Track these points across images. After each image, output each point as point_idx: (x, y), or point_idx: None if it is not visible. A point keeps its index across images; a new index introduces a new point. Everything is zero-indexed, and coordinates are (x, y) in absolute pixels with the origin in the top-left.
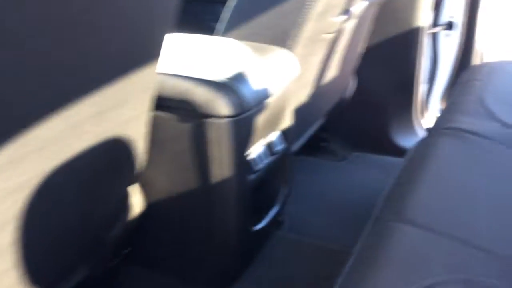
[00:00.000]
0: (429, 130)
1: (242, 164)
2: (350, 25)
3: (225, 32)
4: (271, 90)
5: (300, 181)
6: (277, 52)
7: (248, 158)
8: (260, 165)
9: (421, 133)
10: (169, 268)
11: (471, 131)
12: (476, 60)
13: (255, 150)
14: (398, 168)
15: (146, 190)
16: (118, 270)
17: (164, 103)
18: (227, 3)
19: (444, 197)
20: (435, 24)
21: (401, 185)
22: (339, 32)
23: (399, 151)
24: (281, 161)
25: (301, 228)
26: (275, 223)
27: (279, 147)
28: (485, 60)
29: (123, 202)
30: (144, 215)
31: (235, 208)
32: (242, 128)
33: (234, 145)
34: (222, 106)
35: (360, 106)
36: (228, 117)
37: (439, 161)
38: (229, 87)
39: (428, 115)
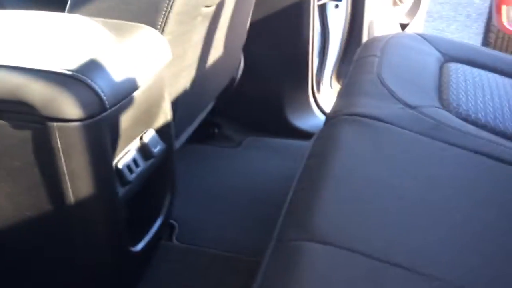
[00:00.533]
0: (327, 117)
1: (107, 176)
2: None
3: (73, 7)
4: (137, 80)
5: (191, 174)
6: (142, 32)
7: (116, 167)
8: (133, 175)
9: (317, 112)
10: None
11: (374, 116)
12: (365, 32)
13: (124, 157)
14: (294, 151)
15: None
16: None
17: None
18: None
19: (352, 202)
20: None
21: (302, 191)
22: (219, 5)
23: (296, 133)
24: (161, 164)
25: (193, 234)
26: (162, 232)
27: (157, 148)
28: (375, 32)
29: None
30: None
31: (103, 231)
32: (101, 133)
33: (92, 155)
34: (69, 106)
35: (252, 86)
36: (78, 120)
37: (342, 156)
38: (77, 79)
39: (322, 93)
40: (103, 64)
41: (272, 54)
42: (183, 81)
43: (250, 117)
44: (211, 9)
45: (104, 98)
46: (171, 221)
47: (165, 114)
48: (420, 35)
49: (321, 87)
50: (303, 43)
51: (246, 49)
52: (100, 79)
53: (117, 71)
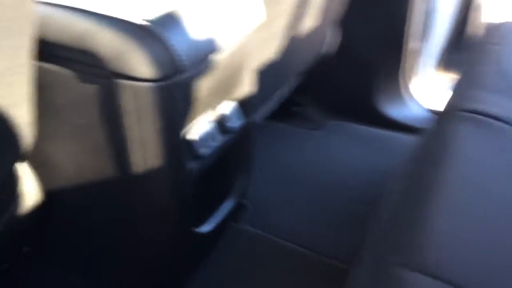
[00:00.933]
0: (440, 112)
1: (175, 147)
2: None
3: None
4: (221, 42)
5: (268, 153)
6: None
7: (188, 138)
8: (206, 149)
9: (410, 102)
10: (83, 270)
11: (497, 115)
12: (476, 16)
13: (197, 128)
14: (382, 142)
15: (44, 174)
16: (27, 272)
17: (54, 52)
18: None
19: (471, 226)
20: None
21: (407, 206)
22: None
23: (383, 121)
24: (239, 141)
25: (264, 220)
26: (232, 215)
27: (235, 123)
28: (497, 15)
29: (9, 188)
30: (43, 206)
31: (166, 207)
32: (173, 98)
33: (161, 121)
34: (139, 63)
35: (341, 66)
36: (149, 80)
37: (458, 163)
38: (152, 33)
39: (417, 81)
40: (184, 19)
41: (368, 33)
42: (267, 51)
43: (336, 99)
44: None
45: (181, 58)
46: (244, 201)
47: (248, 85)
48: None
49: (420, 75)
50: (401, 22)
51: (342, 23)
52: (178, 36)
53: (199, 29)
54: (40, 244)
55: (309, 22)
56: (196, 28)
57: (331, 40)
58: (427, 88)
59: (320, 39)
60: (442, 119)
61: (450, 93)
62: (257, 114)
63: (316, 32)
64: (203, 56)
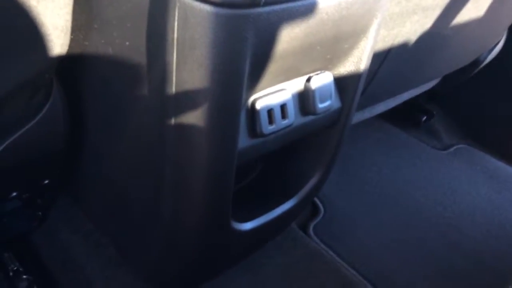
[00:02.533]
0: None
1: (233, 113)
2: None
3: None
4: None
5: (371, 159)
6: None
7: (254, 107)
8: (273, 126)
9: None
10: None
11: None
12: None
13: (268, 97)
14: None
15: (75, 100)
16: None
17: None
18: None
19: None
20: None
21: None
22: None
23: None
24: (324, 128)
25: (335, 232)
26: (292, 216)
27: (325, 104)
28: None
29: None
30: (69, 138)
31: (204, 189)
32: (245, 39)
33: (223, 68)
34: None
35: (496, 82)
36: (217, 3)
37: None
38: None
39: None
40: None
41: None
42: (410, 28)
43: (476, 120)
44: None
45: None
46: (318, 203)
47: (357, 61)
48: None
49: None
50: None
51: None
52: None
53: None
54: (63, 183)
55: (478, 11)
56: None
57: (497, 46)
58: None
59: (484, 42)
60: None
61: None
62: (371, 110)
63: (482, 29)
64: None
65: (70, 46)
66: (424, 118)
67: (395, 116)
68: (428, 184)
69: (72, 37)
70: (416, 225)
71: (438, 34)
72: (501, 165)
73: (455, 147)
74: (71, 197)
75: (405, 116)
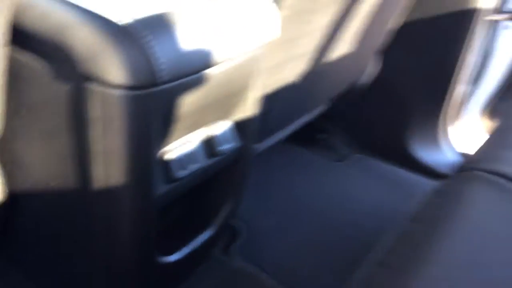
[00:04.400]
0: (457, 169)
1: (146, 167)
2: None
3: None
4: (218, 56)
5: (278, 179)
6: None
7: (164, 158)
8: (184, 172)
9: (445, 148)
10: (39, 278)
11: None
12: None
13: (177, 149)
14: (407, 186)
15: (11, 173)
16: None
17: (27, 41)
18: None
19: None
20: (499, 10)
21: (389, 266)
22: None
23: (412, 163)
24: (230, 165)
25: (255, 253)
26: (212, 244)
27: (228, 146)
28: None
29: None
30: (6, 206)
31: (129, 231)
32: (149, 111)
33: (132, 135)
34: (114, 67)
35: (376, 99)
36: (123, 87)
37: (460, 230)
38: (132, 35)
39: (461, 127)
40: (176, 25)
41: (412, 68)
42: (288, 73)
43: (365, 132)
44: None
45: (162, 67)
46: (237, 226)
47: (249, 107)
48: None
49: (462, 121)
50: (452, 62)
51: (385, 54)
52: (164, 42)
53: (192, 38)
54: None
55: (345, 46)
56: (188, 36)
57: (369, 70)
58: (467, 135)
59: (359, 67)
60: (457, 177)
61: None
62: (271, 137)
63: (352, 59)
64: (191, 68)
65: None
66: (322, 135)
67: (297, 138)
68: (330, 193)
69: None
70: (323, 230)
71: (314, 71)
72: (390, 168)
73: (350, 158)
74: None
75: (306, 136)
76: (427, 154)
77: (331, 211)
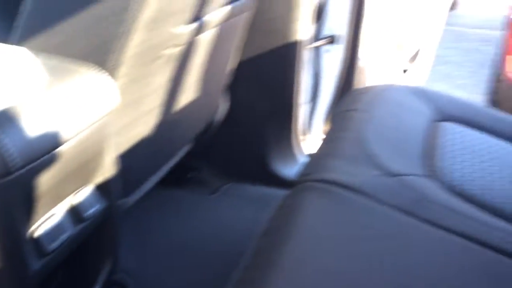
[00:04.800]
0: (294, 182)
1: (16, 249)
2: (207, 36)
3: (22, 39)
4: (65, 132)
5: (157, 222)
6: (84, 74)
7: (35, 234)
8: (55, 243)
9: (302, 161)
10: None
11: (347, 184)
12: (360, 78)
13: (44, 224)
14: (277, 202)
15: None
16: None
17: None
18: None
19: None
20: (317, 37)
21: (248, 278)
22: (190, 45)
23: (279, 181)
24: (100, 226)
25: None
26: None
27: (93, 209)
28: (369, 79)
29: None
30: None
31: None
32: (7, 198)
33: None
34: None
35: (234, 130)
36: None
37: (299, 236)
38: None
39: (310, 139)
40: (18, 114)
41: (257, 98)
42: (142, 128)
43: (231, 162)
44: (178, 50)
45: (12, 157)
46: (124, 277)
47: (108, 168)
48: (412, 88)
49: (310, 135)
50: (290, 85)
51: (232, 90)
52: (10, 133)
53: (38, 123)
54: None
55: (190, 94)
56: (34, 123)
57: (222, 106)
58: (315, 147)
59: (210, 106)
60: (295, 189)
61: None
62: (141, 187)
63: (200, 102)
64: (42, 150)
65: None
66: (193, 173)
67: (169, 181)
68: (207, 226)
69: None
70: (204, 264)
71: (168, 120)
72: (258, 189)
73: (222, 188)
74: None
75: (177, 177)
76: (287, 170)
77: (210, 242)
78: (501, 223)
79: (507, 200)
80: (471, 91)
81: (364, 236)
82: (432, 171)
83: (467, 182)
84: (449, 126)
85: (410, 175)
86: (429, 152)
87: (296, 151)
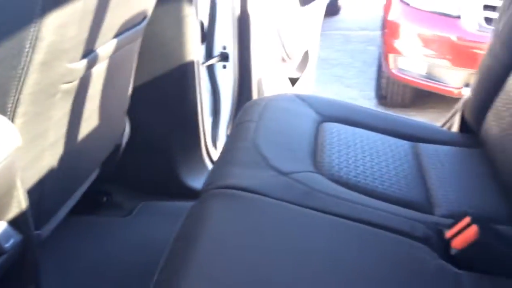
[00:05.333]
0: (201, 190)
1: None
2: (101, 67)
3: None
4: None
5: (73, 250)
6: None
7: None
8: None
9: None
10: None
11: (245, 187)
12: (255, 90)
13: None
14: None
15: None
16: None
17: None
18: None
19: None
20: (209, 55)
21: (166, 272)
22: (87, 77)
23: (191, 193)
24: (18, 258)
25: None
26: None
27: (9, 243)
28: (265, 89)
29: None
30: None
31: None
32: None
33: None
34: None
35: (141, 150)
36: None
37: (208, 238)
38: None
39: (216, 150)
40: None
41: (161, 117)
42: (49, 159)
43: (142, 181)
44: (75, 83)
45: None
46: None
47: (19, 203)
48: (297, 96)
49: (217, 145)
50: (190, 103)
51: (132, 113)
52: None
53: None
54: None
55: (93, 122)
56: None
57: (125, 129)
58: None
59: (114, 131)
60: (202, 197)
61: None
62: (54, 216)
63: (105, 127)
64: None
65: None
66: (106, 197)
67: (83, 207)
68: (126, 247)
69: None
70: (128, 282)
71: (75, 149)
72: (174, 203)
73: (137, 208)
74: None
75: (91, 203)
76: (197, 181)
77: (126, 262)
78: (374, 201)
79: (377, 182)
80: (362, 89)
81: (264, 230)
82: (319, 167)
83: (347, 172)
84: (331, 125)
85: (300, 172)
86: (315, 150)
87: (204, 162)
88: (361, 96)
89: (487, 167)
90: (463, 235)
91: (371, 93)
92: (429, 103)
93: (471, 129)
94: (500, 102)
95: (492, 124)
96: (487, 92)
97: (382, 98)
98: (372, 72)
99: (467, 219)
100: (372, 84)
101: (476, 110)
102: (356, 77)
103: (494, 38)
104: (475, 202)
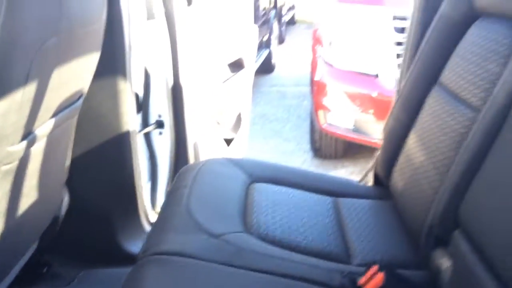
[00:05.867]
0: (137, 258)
1: None
2: (40, 146)
3: None
4: None
5: None
6: None
7: None
8: None
9: None
10: None
11: (179, 252)
12: (191, 154)
13: None
14: None
15: None
16: None
17: None
18: None
19: None
20: (146, 124)
21: None
22: (26, 157)
23: (131, 259)
24: None
25: None
26: None
27: None
28: (200, 152)
29: None
30: None
31: None
32: None
33: None
34: None
35: (80, 219)
36: None
37: None
38: None
39: (155, 215)
40: None
41: (99, 186)
42: None
43: (83, 250)
44: (14, 165)
45: None
46: None
47: None
48: (228, 160)
49: (156, 209)
50: (127, 171)
51: (71, 183)
52: None
53: None
54: None
55: (31, 197)
56: None
57: (64, 200)
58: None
59: (52, 204)
60: (138, 264)
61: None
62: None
63: (43, 202)
64: None
65: None
66: (46, 268)
67: (23, 280)
68: None
69: None
70: None
71: (11, 224)
72: (114, 270)
73: (78, 276)
74: None
75: (31, 275)
76: (137, 246)
77: None
78: (298, 256)
79: (301, 237)
80: (299, 143)
81: None
82: (248, 226)
83: (274, 230)
84: (259, 186)
85: (230, 233)
86: (245, 210)
87: (143, 227)
88: (298, 149)
89: (397, 217)
90: (372, 282)
91: (307, 146)
92: (360, 152)
93: (382, 182)
94: (402, 159)
95: (398, 178)
96: (392, 150)
97: (317, 150)
98: (307, 126)
99: (375, 268)
100: (307, 138)
101: (385, 166)
102: (292, 131)
103: (396, 99)
104: (387, 250)
